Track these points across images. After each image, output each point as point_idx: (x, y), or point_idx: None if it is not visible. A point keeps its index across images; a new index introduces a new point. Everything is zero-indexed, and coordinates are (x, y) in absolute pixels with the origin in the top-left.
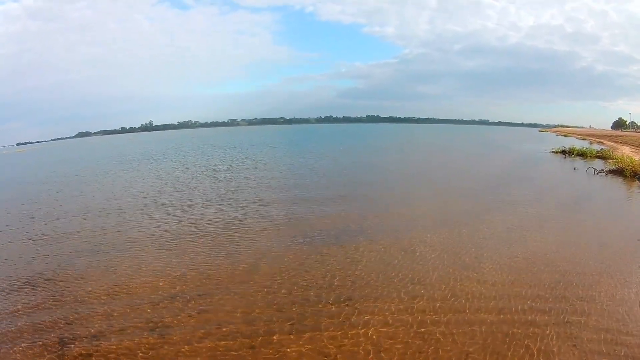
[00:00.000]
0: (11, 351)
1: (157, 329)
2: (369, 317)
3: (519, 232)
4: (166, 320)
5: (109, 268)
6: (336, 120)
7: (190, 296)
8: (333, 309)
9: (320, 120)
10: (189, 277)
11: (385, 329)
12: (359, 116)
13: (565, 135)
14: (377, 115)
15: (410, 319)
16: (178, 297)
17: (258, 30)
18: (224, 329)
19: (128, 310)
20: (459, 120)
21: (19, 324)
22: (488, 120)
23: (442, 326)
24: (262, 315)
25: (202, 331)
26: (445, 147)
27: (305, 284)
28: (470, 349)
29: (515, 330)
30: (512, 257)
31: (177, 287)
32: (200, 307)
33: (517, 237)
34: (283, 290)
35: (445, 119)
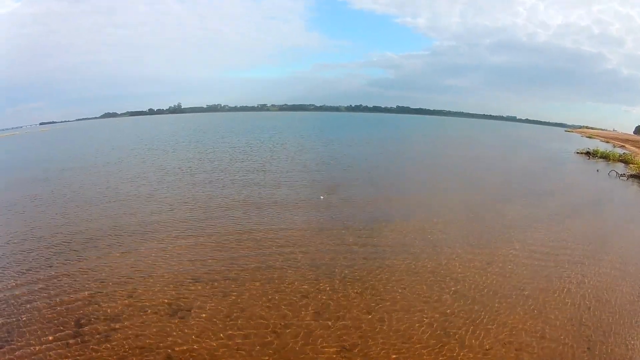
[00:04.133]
0: (30, 328)
1: (178, 311)
2: None
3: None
4: (189, 302)
5: (132, 248)
6: (366, 109)
7: (214, 279)
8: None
9: (350, 109)
10: (213, 260)
11: None
12: (389, 106)
13: (590, 137)
14: (407, 107)
15: None
16: (201, 280)
17: (290, 16)
18: (246, 312)
19: (150, 291)
20: (487, 115)
21: (37, 301)
22: (515, 117)
23: None
24: (285, 303)
25: (224, 315)
26: (486, 143)
27: (330, 271)
28: None
29: None
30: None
31: (201, 270)
32: (224, 291)
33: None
34: (310, 275)
35: (475, 113)
